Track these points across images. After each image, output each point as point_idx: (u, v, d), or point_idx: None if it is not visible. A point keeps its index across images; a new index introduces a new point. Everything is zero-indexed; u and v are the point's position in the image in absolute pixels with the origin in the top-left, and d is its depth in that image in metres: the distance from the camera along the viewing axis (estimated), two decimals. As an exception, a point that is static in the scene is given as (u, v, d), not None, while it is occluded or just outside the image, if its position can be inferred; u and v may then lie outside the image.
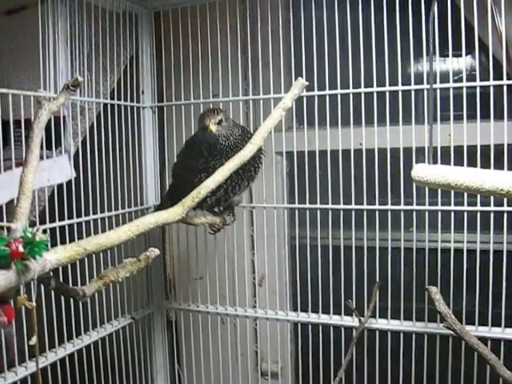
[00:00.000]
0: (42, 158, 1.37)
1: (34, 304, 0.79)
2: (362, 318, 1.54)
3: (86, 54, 1.55)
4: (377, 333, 1.56)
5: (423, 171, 1.20)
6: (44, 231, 1.26)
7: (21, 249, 0.74)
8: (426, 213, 1.49)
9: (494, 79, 1.38)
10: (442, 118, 1.44)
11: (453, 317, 1.32)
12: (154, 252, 1.17)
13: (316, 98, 1.55)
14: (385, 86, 1.48)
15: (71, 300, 1.35)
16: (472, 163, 1.37)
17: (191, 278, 1.83)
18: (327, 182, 1.55)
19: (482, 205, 1.43)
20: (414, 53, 1.45)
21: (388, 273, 1.54)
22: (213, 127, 1.35)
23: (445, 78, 1.46)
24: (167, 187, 1.77)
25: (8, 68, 1.61)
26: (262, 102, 1.62)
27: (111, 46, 1.64)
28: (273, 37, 1.59)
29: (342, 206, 1.56)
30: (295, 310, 1.71)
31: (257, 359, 1.93)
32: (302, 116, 1.58)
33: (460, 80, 1.45)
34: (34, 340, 0.82)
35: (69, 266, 1.32)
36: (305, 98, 1.56)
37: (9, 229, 0.77)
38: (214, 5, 1.65)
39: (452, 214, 1.46)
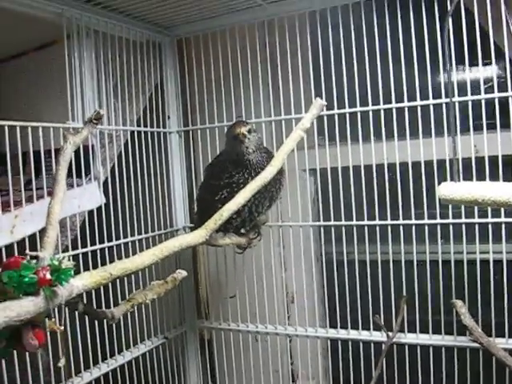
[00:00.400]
0: (72, 186, 1.44)
1: (62, 328, 0.83)
2: (390, 333, 1.54)
3: (112, 84, 1.61)
4: (406, 347, 1.57)
5: (448, 189, 1.21)
6: (69, 258, 1.33)
7: (48, 276, 0.79)
8: (451, 226, 1.49)
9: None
10: (461, 129, 1.45)
11: (479, 330, 1.33)
12: (181, 274, 1.21)
13: (336, 117, 1.57)
14: (403, 101, 1.50)
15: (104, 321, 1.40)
16: (493, 174, 1.38)
17: (222, 296, 1.87)
18: (350, 198, 1.58)
19: (506, 216, 1.43)
20: (431, 66, 1.46)
21: (415, 286, 1.55)
22: (245, 132, 1.39)
23: (464, 88, 1.46)
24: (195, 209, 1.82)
25: (39, 100, 1.69)
26: (283, 122, 1.65)
27: (136, 74, 1.70)
28: (292, 57, 1.63)
29: (366, 222, 1.57)
30: (325, 326, 1.72)
31: (290, 376, 1.95)
32: (333, 133, 1.60)
33: (479, 89, 1.46)
34: (62, 362, 0.86)
35: (101, 287, 1.37)
36: (325, 117, 1.59)
37: (37, 257, 0.82)
38: (233, 30, 1.70)
39: (476, 227, 1.46)
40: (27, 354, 1.14)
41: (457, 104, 1.43)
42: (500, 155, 1.40)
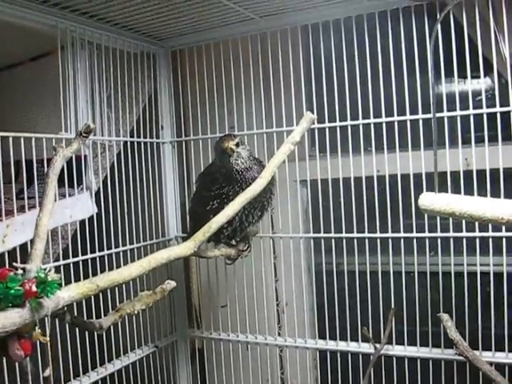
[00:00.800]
0: (64, 195, 1.45)
1: (48, 339, 0.84)
2: (378, 345, 1.56)
3: (106, 95, 1.62)
4: (394, 359, 1.58)
5: (429, 200, 1.23)
6: (61, 268, 1.33)
7: (34, 288, 0.80)
8: (439, 239, 1.50)
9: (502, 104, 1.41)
10: (453, 142, 1.47)
11: (465, 344, 1.34)
12: (171, 285, 1.22)
13: (327, 130, 1.59)
14: (393, 115, 1.52)
15: (93, 331, 1.41)
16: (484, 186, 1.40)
17: (214, 306, 1.88)
18: (340, 210, 1.59)
19: (493, 230, 1.44)
20: (421, 79, 1.48)
21: (403, 297, 1.56)
22: (232, 147, 1.40)
23: (461, 100, 1.47)
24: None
25: (34, 110, 1.70)
26: (275, 134, 1.67)
27: (130, 85, 1.72)
28: (284, 70, 1.65)
29: (355, 235, 1.59)
30: (315, 336, 1.73)
31: (280, 385, 1.96)
32: (323, 145, 1.62)
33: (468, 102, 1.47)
34: (47, 372, 0.87)
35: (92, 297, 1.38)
36: (316, 130, 1.61)
37: (24, 269, 0.83)
38: (226, 42, 1.72)
39: (464, 241, 1.47)
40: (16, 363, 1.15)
41: (446, 119, 1.45)
42: (488, 169, 1.42)
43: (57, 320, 1.02)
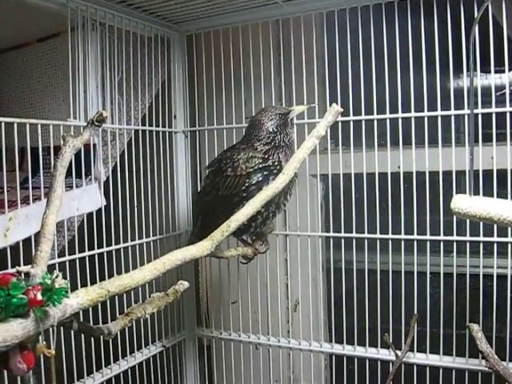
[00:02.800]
0: (71, 187, 1.36)
1: (53, 352, 0.76)
2: (399, 353, 1.47)
3: (117, 80, 1.53)
4: (414, 368, 1.50)
5: (462, 203, 1.13)
6: (61, 267, 1.25)
7: (39, 297, 0.72)
8: (468, 244, 1.41)
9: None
10: (484, 138, 1.38)
11: (495, 356, 1.25)
12: (184, 285, 1.14)
13: (352, 124, 1.50)
14: (423, 110, 1.42)
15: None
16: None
17: (224, 303, 1.80)
18: (363, 208, 1.50)
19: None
20: (454, 72, 1.39)
21: (427, 302, 1.48)
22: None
23: (486, 94, 1.38)
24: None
25: (39, 94, 1.61)
26: (295, 127, 1.57)
27: (143, 70, 1.62)
28: (307, 59, 1.55)
29: (378, 236, 1.50)
30: (330, 339, 1.65)
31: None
32: (346, 139, 1.54)
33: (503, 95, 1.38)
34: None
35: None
36: (340, 124, 1.51)
37: (28, 274, 0.74)
38: (246, 27, 1.62)
39: (495, 245, 1.38)
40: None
41: (480, 115, 1.36)
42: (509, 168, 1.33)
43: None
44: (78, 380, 1.41)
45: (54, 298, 0.73)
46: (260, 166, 1.35)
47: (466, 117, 1.38)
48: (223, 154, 1.46)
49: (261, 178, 1.34)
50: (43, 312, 0.73)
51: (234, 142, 1.54)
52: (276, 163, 1.35)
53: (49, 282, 0.73)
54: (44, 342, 0.76)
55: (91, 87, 1.42)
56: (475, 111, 1.34)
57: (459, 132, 1.55)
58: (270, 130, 1.38)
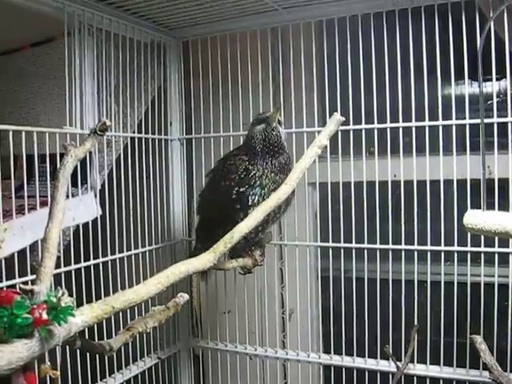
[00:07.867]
0: (67, 196, 1.32)
1: (58, 373, 0.72)
2: (400, 364, 1.45)
3: (113, 86, 1.50)
4: (415, 379, 1.48)
5: (476, 219, 1.12)
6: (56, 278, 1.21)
7: (44, 316, 0.68)
8: (469, 254, 1.40)
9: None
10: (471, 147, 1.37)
11: (499, 368, 1.24)
12: (184, 298, 1.11)
13: (351, 133, 1.48)
14: (424, 119, 1.41)
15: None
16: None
17: (219, 312, 1.76)
18: (362, 218, 1.48)
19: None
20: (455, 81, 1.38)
21: (427, 311, 1.46)
22: (279, 117, 1.36)
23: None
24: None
25: (34, 100, 1.57)
26: (294, 135, 1.55)
27: (139, 76, 1.59)
28: (305, 66, 1.53)
29: (378, 246, 1.48)
30: (327, 350, 1.63)
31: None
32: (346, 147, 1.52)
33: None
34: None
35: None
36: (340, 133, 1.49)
37: (32, 291, 0.71)
38: (244, 34, 1.60)
39: (496, 256, 1.37)
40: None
41: (495, 125, 1.34)
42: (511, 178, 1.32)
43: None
44: (72, 395, 1.37)
45: (60, 316, 0.70)
46: (245, 173, 1.34)
47: (468, 126, 1.37)
48: (220, 161, 1.45)
49: (246, 187, 1.33)
50: (48, 331, 0.70)
51: (231, 150, 1.52)
52: (260, 171, 1.34)
53: (54, 299, 0.70)
54: (49, 363, 0.72)
55: (87, 93, 1.38)
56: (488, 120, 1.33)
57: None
58: (250, 136, 1.38)
